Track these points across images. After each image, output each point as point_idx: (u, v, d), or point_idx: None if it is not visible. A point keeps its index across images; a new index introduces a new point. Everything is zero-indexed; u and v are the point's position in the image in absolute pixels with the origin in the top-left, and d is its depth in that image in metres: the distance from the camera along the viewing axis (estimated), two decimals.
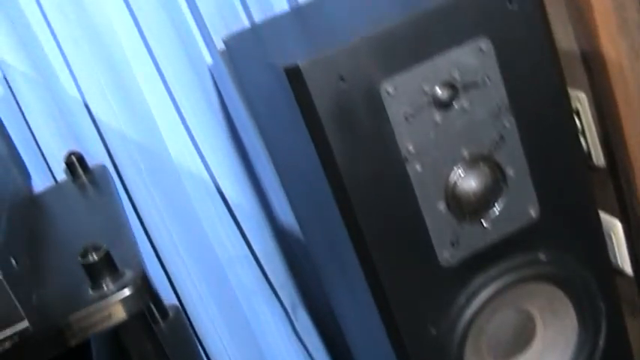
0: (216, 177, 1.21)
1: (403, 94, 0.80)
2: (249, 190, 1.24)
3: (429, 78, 0.80)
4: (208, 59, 1.17)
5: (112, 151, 1.15)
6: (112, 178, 1.09)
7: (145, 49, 1.14)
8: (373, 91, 0.79)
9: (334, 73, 0.77)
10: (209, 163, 1.21)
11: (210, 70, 1.17)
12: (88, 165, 1.09)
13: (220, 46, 1.13)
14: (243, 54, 1.04)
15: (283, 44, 0.97)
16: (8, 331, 0.68)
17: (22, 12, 1.08)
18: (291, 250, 1.28)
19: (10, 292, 0.67)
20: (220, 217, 1.23)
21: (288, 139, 0.94)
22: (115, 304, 0.70)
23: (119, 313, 0.70)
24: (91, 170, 1.09)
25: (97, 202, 0.98)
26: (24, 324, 0.68)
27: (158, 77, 1.16)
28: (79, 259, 0.71)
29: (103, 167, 1.11)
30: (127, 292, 0.70)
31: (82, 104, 1.13)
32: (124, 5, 1.12)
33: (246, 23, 1.16)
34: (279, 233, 1.27)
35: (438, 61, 0.81)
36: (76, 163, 1.08)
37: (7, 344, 0.68)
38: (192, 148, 1.20)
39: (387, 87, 0.79)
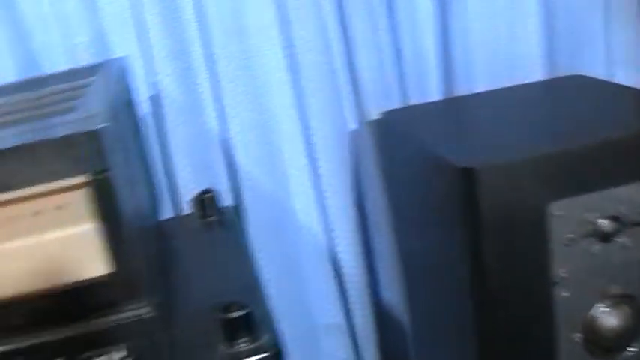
0: (334, 239, 1.21)
1: (569, 218, 0.78)
2: (362, 260, 1.23)
3: (597, 208, 0.79)
4: (353, 125, 1.18)
5: (241, 192, 1.16)
6: (241, 221, 1.10)
7: (295, 102, 1.16)
8: (540, 208, 0.77)
9: (507, 183, 0.76)
10: (331, 224, 1.21)
11: (353, 137, 1.18)
12: (219, 204, 1.10)
13: (369, 117, 1.13)
14: (393, 131, 1.04)
15: (441, 134, 0.97)
16: None
17: (186, 44, 1.10)
18: (388, 328, 1.26)
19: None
20: (327, 280, 1.23)
21: (429, 227, 0.93)
22: None
23: None
24: (221, 210, 1.09)
25: (226, 246, 0.98)
26: None
27: (301, 131, 1.17)
28: (220, 313, 0.70)
29: (234, 208, 1.11)
30: (261, 356, 0.70)
31: (223, 142, 1.15)
32: (285, 62, 1.13)
33: (399, 102, 1.17)
34: (381, 309, 1.26)
35: (609, 193, 0.79)
36: (208, 200, 1.08)
37: None
38: (317, 206, 1.20)
39: (555, 209, 0.78)
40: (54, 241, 0.63)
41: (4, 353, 0.62)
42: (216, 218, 1.07)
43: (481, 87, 1.16)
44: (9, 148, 0.59)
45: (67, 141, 0.58)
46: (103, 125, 0.59)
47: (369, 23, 1.15)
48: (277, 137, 1.16)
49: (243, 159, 1.15)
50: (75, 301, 0.64)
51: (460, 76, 1.19)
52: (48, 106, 0.73)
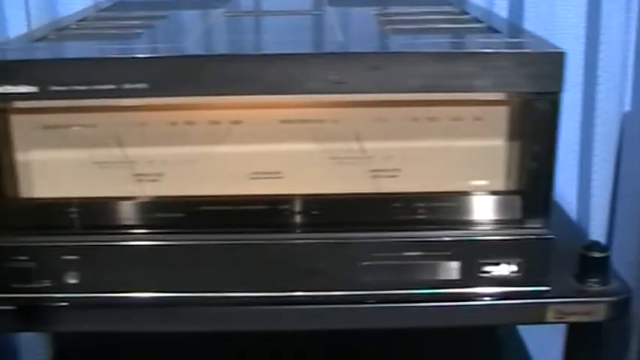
0: None
1: None
2: None
3: None
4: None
5: None
6: None
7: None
8: None
9: None
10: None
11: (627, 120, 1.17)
12: None
13: None
14: None
15: None
16: None
17: None
18: None
19: None
20: None
21: None
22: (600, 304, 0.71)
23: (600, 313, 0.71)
24: None
25: None
26: None
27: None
28: (582, 249, 0.73)
29: None
30: (610, 299, 0.72)
31: None
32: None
33: None
34: None
35: None
36: None
37: None
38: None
39: None
40: (465, 149, 0.67)
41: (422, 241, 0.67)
42: None
43: None
44: (459, 53, 0.64)
45: (526, 58, 0.62)
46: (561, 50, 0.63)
47: None
48: None
49: None
50: (471, 209, 0.68)
51: None
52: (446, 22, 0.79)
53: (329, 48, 0.73)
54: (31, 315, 0.68)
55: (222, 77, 0.63)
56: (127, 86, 0.63)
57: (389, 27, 0.76)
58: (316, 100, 0.65)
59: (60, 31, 0.79)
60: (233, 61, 0.63)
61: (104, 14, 0.91)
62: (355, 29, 0.82)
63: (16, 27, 1.04)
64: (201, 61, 0.63)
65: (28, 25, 1.04)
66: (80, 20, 0.86)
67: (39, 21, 1.03)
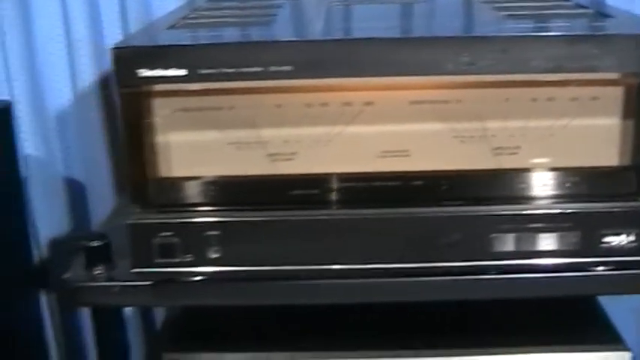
0: None
1: None
2: None
3: None
4: None
5: None
6: None
7: None
8: None
9: None
10: None
11: None
12: None
13: None
14: None
15: None
16: None
17: None
18: None
19: None
20: None
21: None
22: None
23: None
24: None
25: None
26: None
27: None
28: None
29: None
30: None
31: None
32: None
33: None
34: None
35: None
36: None
37: None
38: None
39: None
40: (582, 127, 0.71)
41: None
42: None
43: None
44: (586, 35, 0.69)
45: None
46: None
47: None
48: None
49: None
50: (588, 183, 0.72)
51: None
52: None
53: (458, 32, 0.77)
54: (173, 289, 0.72)
55: (359, 60, 0.67)
56: (272, 69, 0.66)
57: (504, 13, 0.80)
58: (443, 81, 0.69)
59: (184, 19, 0.82)
60: (372, 44, 0.67)
61: (215, 4, 0.95)
62: (474, 15, 0.86)
63: (111, 24, 1.07)
64: (342, 45, 0.67)
65: (124, 23, 1.07)
66: (196, 10, 0.89)
67: (135, 17, 1.07)
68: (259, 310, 0.83)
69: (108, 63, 1.05)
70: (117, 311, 0.79)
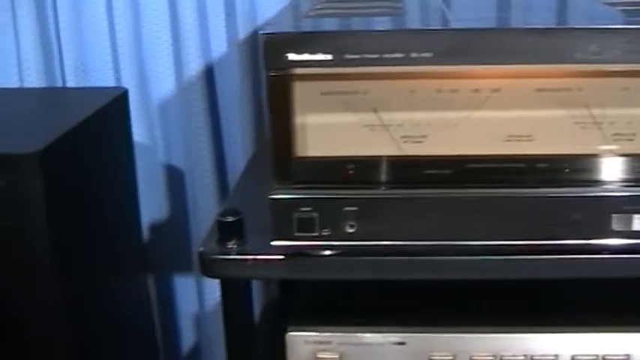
0: None
1: None
2: None
3: None
4: None
5: None
6: None
7: None
8: None
9: None
10: None
11: None
12: None
13: None
14: None
15: None
16: None
17: None
18: None
19: None
20: None
21: None
22: None
23: None
24: None
25: None
26: None
27: None
28: None
29: None
30: None
31: None
32: None
33: None
34: None
35: None
36: None
37: None
38: None
39: None
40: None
41: None
42: None
43: None
44: None
45: None
46: None
47: None
48: None
49: None
50: None
51: None
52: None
53: (586, 23, 0.81)
54: (307, 262, 0.77)
55: (491, 48, 0.72)
56: (413, 55, 0.71)
57: (615, 8, 0.85)
58: (567, 70, 0.74)
59: (317, 10, 0.87)
60: (506, 34, 0.72)
61: None
62: (587, 8, 0.90)
63: (216, 16, 1.13)
64: (481, 34, 0.72)
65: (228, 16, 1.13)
66: (320, 2, 0.94)
67: (241, 10, 1.12)
68: (385, 288, 0.88)
69: (212, 53, 1.12)
70: (246, 286, 0.84)
